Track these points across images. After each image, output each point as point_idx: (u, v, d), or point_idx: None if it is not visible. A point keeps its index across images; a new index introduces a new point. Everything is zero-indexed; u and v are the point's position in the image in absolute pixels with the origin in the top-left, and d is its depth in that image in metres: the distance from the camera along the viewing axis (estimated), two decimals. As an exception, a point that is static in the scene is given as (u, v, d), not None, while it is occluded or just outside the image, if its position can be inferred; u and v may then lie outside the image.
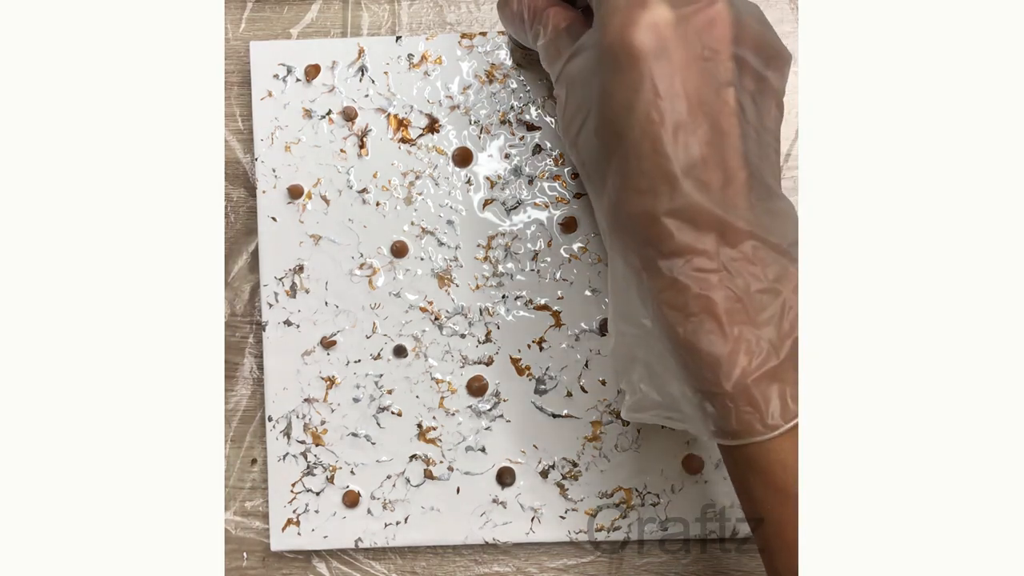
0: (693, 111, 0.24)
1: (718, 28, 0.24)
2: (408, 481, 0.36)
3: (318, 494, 0.36)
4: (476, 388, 0.36)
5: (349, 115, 0.36)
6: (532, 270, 0.36)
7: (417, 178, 0.36)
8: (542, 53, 0.30)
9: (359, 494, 0.36)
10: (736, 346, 0.24)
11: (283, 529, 0.36)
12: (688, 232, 0.24)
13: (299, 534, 0.36)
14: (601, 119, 0.25)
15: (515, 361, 0.36)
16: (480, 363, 0.36)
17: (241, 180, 0.37)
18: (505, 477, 0.35)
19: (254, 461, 0.37)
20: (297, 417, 0.36)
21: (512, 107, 0.36)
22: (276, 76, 0.36)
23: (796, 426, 0.24)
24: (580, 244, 0.35)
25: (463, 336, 0.36)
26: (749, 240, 0.24)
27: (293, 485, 0.36)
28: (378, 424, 0.36)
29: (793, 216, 0.26)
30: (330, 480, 0.36)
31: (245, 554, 0.37)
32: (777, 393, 0.24)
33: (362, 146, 0.36)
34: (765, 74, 0.26)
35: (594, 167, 0.27)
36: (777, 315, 0.24)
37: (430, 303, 0.36)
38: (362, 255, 0.36)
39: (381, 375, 0.36)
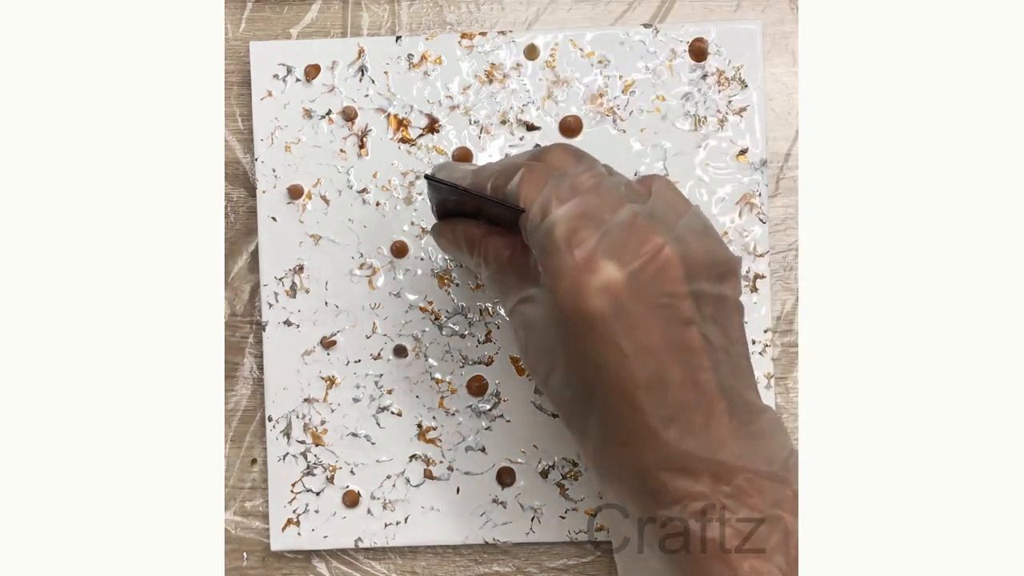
0: (661, 361, 0.24)
1: (669, 271, 0.24)
2: (408, 481, 0.36)
3: (318, 494, 0.36)
4: (476, 388, 0.36)
5: (349, 115, 0.36)
6: (532, 270, 0.36)
7: (417, 178, 0.36)
8: (487, 284, 0.28)
9: (359, 494, 0.36)
10: None
11: (283, 529, 0.36)
12: (681, 479, 0.24)
13: (299, 534, 0.36)
14: (569, 374, 0.25)
15: (515, 361, 0.36)
16: (480, 363, 0.36)
17: (241, 180, 0.37)
18: (505, 477, 0.35)
19: (254, 461, 0.37)
20: (297, 417, 0.36)
21: (512, 107, 0.36)
22: (276, 76, 0.36)
23: None
24: (580, 244, 0.35)
25: (463, 336, 0.36)
26: (741, 474, 0.24)
27: (293, 485, 0.36)
28: (378, 424, 0.36)
29: (778, 426, 0.26)
30: (330, 480, 0.36)
31: (245, 554, 0.37)
32: None
33: (362, 146, 0.36)
34: (722, 292, 0.25)
35: (570, 413, 0.26)
36: (782, 542, 0.24)
37: (430, 303, 0.36)
38: (362, 255, 0.36)
39: (381, 375, 0.36)
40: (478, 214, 0.28)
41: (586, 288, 0.23)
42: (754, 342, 0.35)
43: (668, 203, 0.26)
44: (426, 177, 0.28)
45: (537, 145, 0.35)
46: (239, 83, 0.37)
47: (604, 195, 0.25)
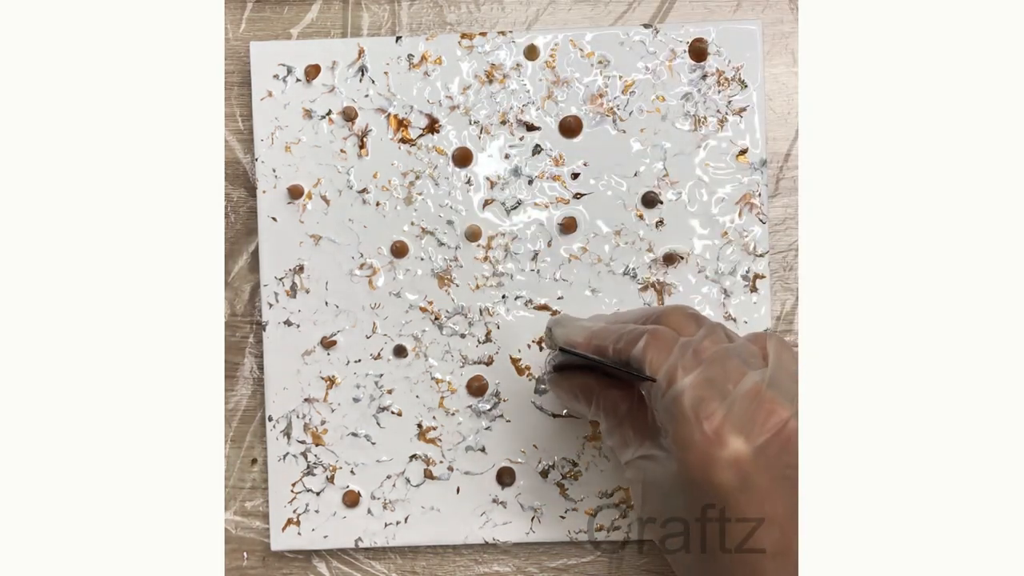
0: (785, 530, 0.24)
1: (793, 444, 0.24)
2: (408, 481, 0.36)
3: (318, 494, 0.36)
4: (476, 388, 0.36)
5: (349, 115, 0.36)
6: (532, 270, 0.36)
7: (417, 178, 0.36)
8: (604, 435, 0.30)
9: (359, 494, 0.36)
10: None
11: (283, 529, 0.36)
12: None
13: (299, 534, 0.36)
14: (693, 538, 0.26)
15: (515, 361, 0.36)
16: (480, 363, 0.36)
17: (241, 180, 0.37)
18: (505, 477, 0.35)
19: (254, 461, 0.37)
20: (297, 417, 0.36)
21: (512, 107, 0.36)
22: (276, 76, 0.36)
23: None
24: (580, 244, 0.35)
25: (463, 336, 0.36)
26: None
27: (293, 485, 0.36)
28: (378, 424, 0.36)
29: None
30: (330, 480, 0.36)
31: (245, 554, 0.37)
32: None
33: (362, 146, 0.36)
34: None
35: (687, 573, 0.27)
36: None
37: (430, 303, 0.36)
38: (362, 255, 0.36)
39: (381, 375, 0.36)
40: (594, 367, 0.29)
41: (715, 461, 0.24)
42: (754, 342, 0.35)
43: (785, 368, 0.26)
44: (561, 350, 0.29)
45: (538, 146, 0.35)
46: (239, 83, 0.37)
47: (727, 364, 0.26)
